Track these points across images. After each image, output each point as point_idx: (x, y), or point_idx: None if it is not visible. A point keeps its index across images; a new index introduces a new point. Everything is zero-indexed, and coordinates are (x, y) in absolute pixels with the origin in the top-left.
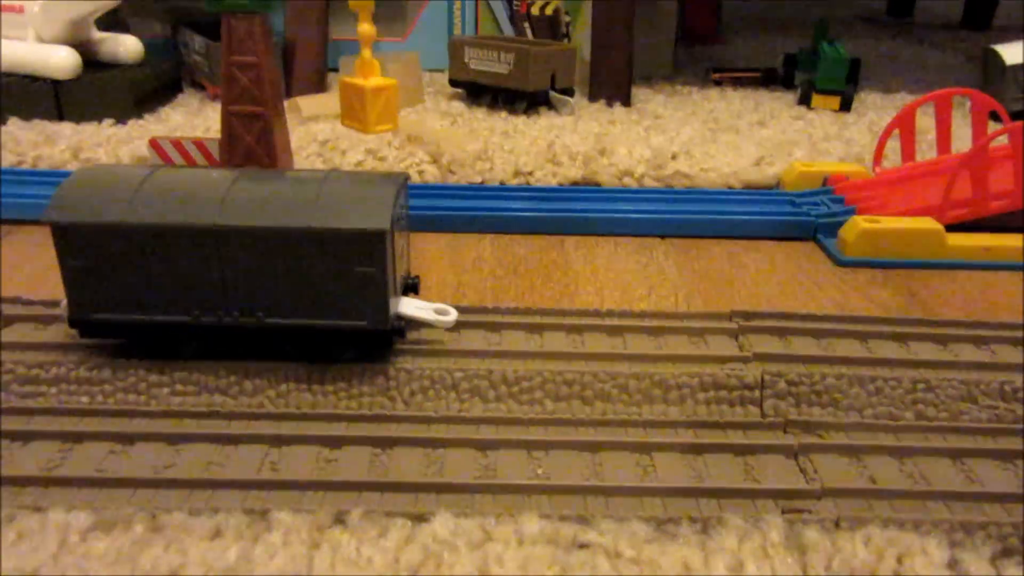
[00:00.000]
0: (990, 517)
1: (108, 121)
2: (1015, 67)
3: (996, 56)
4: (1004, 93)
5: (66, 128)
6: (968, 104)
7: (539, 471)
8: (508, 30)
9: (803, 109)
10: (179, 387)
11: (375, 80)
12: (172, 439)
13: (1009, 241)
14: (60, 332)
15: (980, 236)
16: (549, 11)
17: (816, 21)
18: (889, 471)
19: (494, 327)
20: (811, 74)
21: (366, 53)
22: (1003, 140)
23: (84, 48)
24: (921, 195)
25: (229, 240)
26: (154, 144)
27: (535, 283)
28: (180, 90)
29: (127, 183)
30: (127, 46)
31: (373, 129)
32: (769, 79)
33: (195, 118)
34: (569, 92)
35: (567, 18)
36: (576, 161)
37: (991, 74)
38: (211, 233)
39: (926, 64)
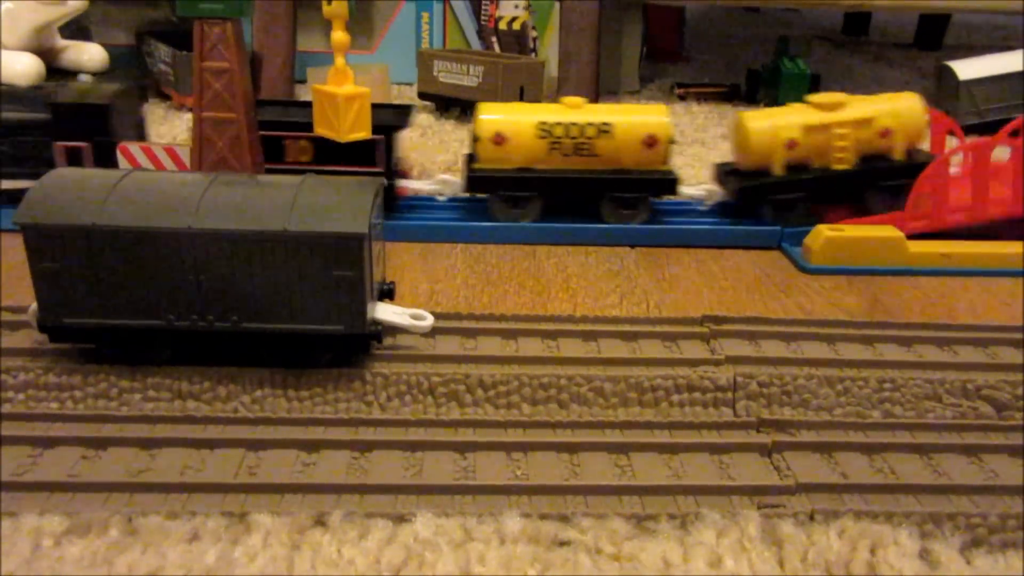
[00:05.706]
0: (958, 508)
1: None
2: (968, 82)
3: (950, 72)
4: (958, 107)
5: None
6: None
7: (518, 472)
8: (476, 44)
9: None
10: (151, 393)
11: (349, 88)
12: (146, 444)
13: (966, 248)
14: (28, 337)
15: (939, 243)
16: (517, 26)
17: (777, 39)
18: (859, 466)
19: (469, 333)
20: (773, 89)
21: (340, 61)
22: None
23: (47, 56)
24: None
25: (204, 244)
26: (123, 150)
27: (508, 291)
28: (146, 99)
29: (100, 186)
30: (91, 54)
31: (346, 137)
32: (733, 94)
33: (161, 127)
34: None
35: (534, 33)
36: None
37: (945, 89)
38: (186, 237)
39: (882, 80)
